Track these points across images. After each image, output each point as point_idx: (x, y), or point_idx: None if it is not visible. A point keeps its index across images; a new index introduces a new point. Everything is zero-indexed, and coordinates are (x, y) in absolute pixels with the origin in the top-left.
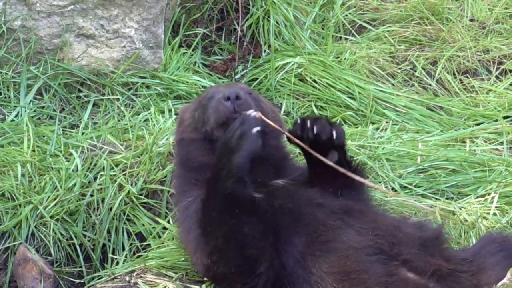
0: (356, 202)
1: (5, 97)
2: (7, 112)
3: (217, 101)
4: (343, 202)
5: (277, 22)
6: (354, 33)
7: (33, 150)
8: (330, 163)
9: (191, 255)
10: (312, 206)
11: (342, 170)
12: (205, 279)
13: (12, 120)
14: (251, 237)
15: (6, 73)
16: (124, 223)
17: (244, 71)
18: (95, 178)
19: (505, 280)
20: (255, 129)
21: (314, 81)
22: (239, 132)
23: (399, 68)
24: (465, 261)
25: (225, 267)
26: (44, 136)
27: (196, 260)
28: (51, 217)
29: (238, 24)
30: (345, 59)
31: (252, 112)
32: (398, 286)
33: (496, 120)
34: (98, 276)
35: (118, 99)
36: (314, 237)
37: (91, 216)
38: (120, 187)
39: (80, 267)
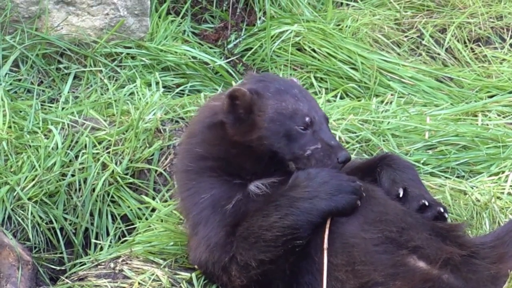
0: (366, 182)
1: None
2: None
3: (325, 151)
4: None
5: None
6: None
7: (9, 127)
8: None
9: (194, 242)
10: None
11: None
12: (195, 266)
13: None
14: (283, 271)
15: None
16: (108, 205)
17: (237, 40)
18: (76, 157)
19: None
20: (359, 202)
21: (313, 50)
22: (350, 190)
23: (405, 36)
24: (484, 246)
25: (237, 274)
26: (21, 112)
27: (197, 248)
28: (29, 199)
29: None
30: (346, 26)
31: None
32: (405, 278)
33: (511, 92)
34: (81, 262)
35: (101, 71)
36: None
37: (72, 198)
38: (104, 166)
39: (61, 253)
